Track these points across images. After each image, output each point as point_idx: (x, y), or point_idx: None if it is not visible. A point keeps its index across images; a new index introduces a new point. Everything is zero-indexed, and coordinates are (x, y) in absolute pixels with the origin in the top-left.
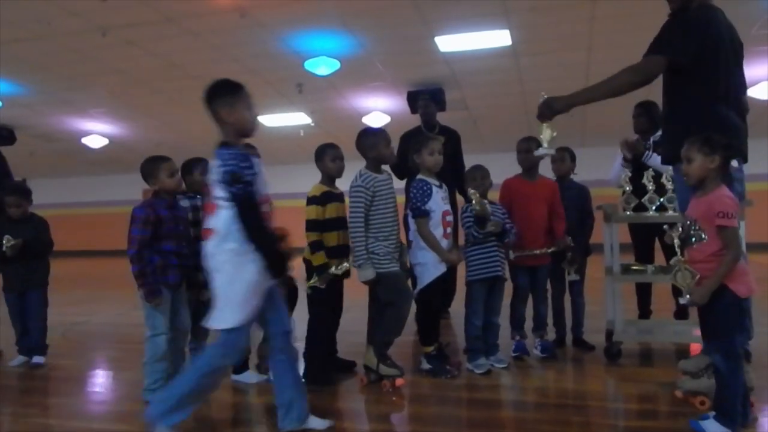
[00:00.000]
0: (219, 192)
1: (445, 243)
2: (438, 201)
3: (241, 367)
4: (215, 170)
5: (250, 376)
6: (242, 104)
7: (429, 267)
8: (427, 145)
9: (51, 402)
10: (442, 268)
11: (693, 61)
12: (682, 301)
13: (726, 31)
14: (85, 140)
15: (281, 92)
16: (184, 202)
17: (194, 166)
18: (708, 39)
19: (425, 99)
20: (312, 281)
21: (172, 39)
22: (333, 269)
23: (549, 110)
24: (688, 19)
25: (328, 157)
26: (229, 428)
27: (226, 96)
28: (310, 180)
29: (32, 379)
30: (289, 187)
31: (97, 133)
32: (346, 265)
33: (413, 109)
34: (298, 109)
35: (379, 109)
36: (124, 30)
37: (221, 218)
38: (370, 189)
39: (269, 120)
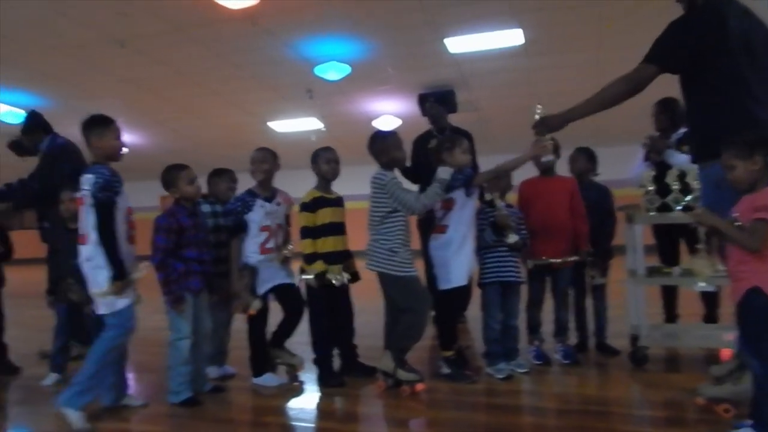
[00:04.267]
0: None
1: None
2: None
3: (262, 370)
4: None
5: (271, 379)
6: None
7: (450, 269)
8: (461, 143)
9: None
10: (463, 279)
11: (691, 64)
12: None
13: (739, 26)
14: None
15: (292, 98)
16: (205, 207)
17: (220, 174)
18: (710, 39)
19: (431, 101)
20: (306, 276)
21: (183, 48)
22: (331, 278)
23: (545, 128)
24: (686, 21)
25: (321, 160)
26: (247, 428)
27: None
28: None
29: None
30: (302, 192)
31: None
32: (344, 278)
33: (424, 111)
34: (309, 114)
35: (390, 112)
36: (136, 40)
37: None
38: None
39: (280, 126)
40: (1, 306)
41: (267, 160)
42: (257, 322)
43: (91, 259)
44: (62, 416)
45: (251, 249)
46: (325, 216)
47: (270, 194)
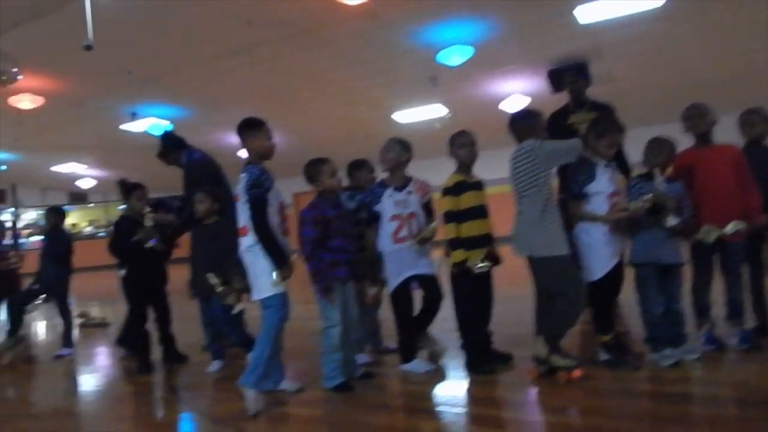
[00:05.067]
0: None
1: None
2: (604, 181)
3: (411, 356)
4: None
5: (419, 366)
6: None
7: (597, 248)
8: (611, 136)
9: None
10: (615, 258)
11: None
12: None
13: None
14: (239, 153)
15: (415, 88)
16: (347, 199)
17: (359, 166)
18: None
19: (572, 75)
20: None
21: (306, 51)
22: (471, 266)
23: None
24: None
25: (456, 145)
26: (402, 413)
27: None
28: (445, 174)
29: (229, 368)
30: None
31: None
32: (486, 266)
33: (556, 87)
34: (433, 102)
35: (518, 92)
36: (261, 48)
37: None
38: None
39: (404, 116)
40: (166, 301)
41: (392, 149)
42: (403, 308)
43: (252, 248)
44: (243, 394)
45: (384, 239)
46: (468, 200)
47: (401, 183)
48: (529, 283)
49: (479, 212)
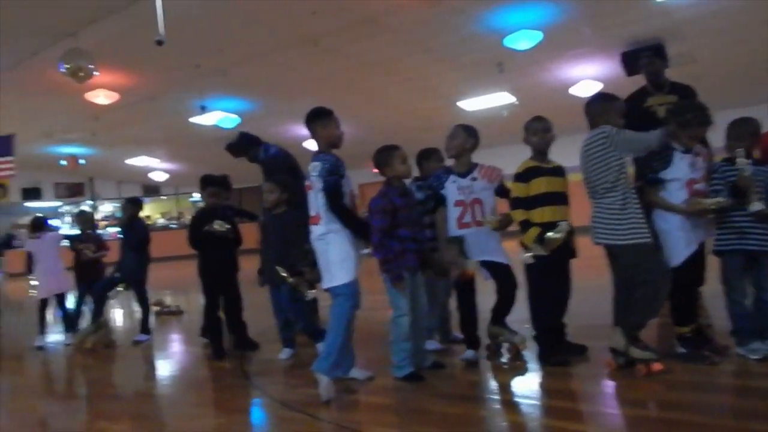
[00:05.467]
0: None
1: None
2: (682, 167)
3: (473, 344)
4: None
5: (469, 354)
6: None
7: (673, 234)
8: (697, 130)
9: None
10: (692, 245)
11: None
12: None
13: None
14: (305, 144)
15: (480, 74)
16: (415, 189)
17: (428, 155)
18: None
19: (648, 56)
20: (532, 252)
21: (372, 39)
22: (551, 234)
23: None
24: None
25: (530, 132)
26: (473, 403)
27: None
28: (517, 161)
29: (299, 356)
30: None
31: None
32: (565, 224)
33: (630, 70)
34: (500, 89)
35: (589, 76)
36: (327, 38)
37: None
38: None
39: (470, 104)
40: (237, 289)
41: (457, 135)
42: (466, 296)
43: (323, 236)
44: (316, 379)
45: (450, 224)
46: (539, 186)
47: (465, 169)
48: (602, 273)
49: (552, 198)
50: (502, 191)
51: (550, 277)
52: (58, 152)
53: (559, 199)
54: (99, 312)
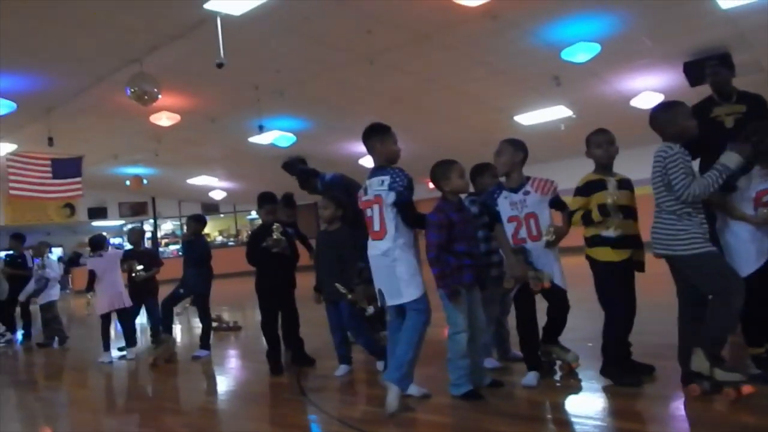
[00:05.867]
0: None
1: None
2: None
3: (533, 364)
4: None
5: (531, 379)
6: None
7: (741, 245)
8: None
9: (372, 393)
10: (763, 257)
11: None
12: None
13: None
14: (361, 161)
15: (537, 88)
16: (469, 204)
17: (482, 170)
18: None
19: (713, 65)
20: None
21: (428, 55)
22: (608, 198)
23: None
24: None
25: (592, 145)
26: (534, 423)
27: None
28: (574, 176)
29: (355, 372)
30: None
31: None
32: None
33: (694, 80)
34: (557, 103)
35: (650, 88)
36: (383, 55)
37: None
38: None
39: (526, 119)
40: (294, 305)
41: (504, 151)
42: (527, 315)
43: (389, 252)
44: (387, 389)
45: None
46: (601, 198)
47: (517, 184)
48: (667, 290)
49: (619, 212)
50: (557, 204)
51: (622, 290)
52: (123, 173)
53: (625, 212)
54: (167, 327)
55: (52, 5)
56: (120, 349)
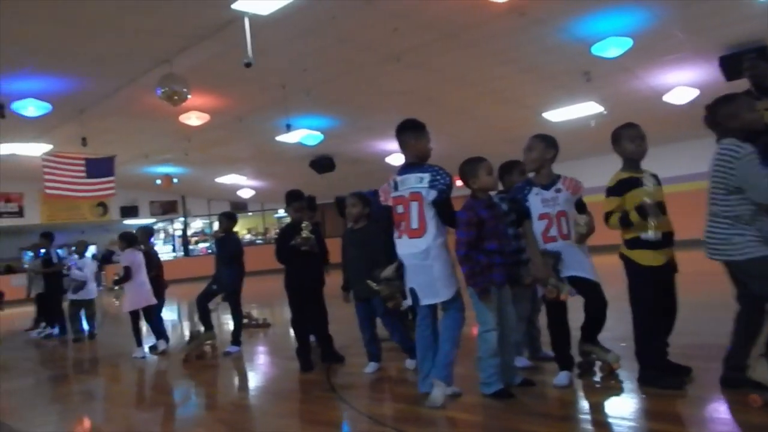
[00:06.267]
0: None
1: None
2: None
3: (566, 364)
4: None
5: (563, 378)
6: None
7: None
8: None
9: (401, 390)
10: None
11: None
12: None
13: None
14: (387, 159)
15: (566, 84)
16: (498, 201)
17: (510, 168)
18: None
19: (752, 59)
20: (653, 230)
21: (455, 53)
22: (646, 199)
23: None
24: None
25: (625, 139)
26: (567, 423)
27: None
28: (603, 174)
29: (385, 370)
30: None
31: (395, 152)
32: (648, 184)
33: (730, 75)
34: (587, 99)
35: (683, 83)
36: (409, 53)
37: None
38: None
39: (555, 115)
40: (323, 302)
41: (535, 147)
42: (557, 313)
43: (426, 252)
44: (435, 385)
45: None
46: (636, 198)
47: (548, 181)
48: (704, 289)
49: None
50: (580, 206)
51: (657, 290)
52: (153, 172)
53: (660, 209)
54: (205, 323)
55: (84, 10)
56: (151, 348)
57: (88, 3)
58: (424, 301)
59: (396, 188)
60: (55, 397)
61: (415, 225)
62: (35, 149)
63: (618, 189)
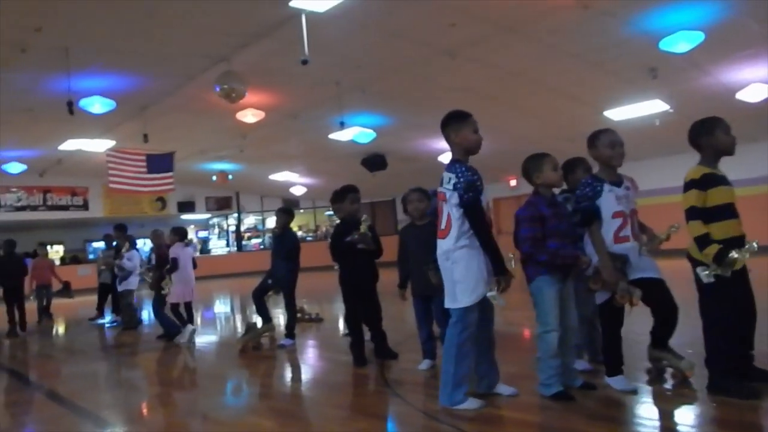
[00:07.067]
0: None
1: None
2: None
3: (615, 370)
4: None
5: (621, 383)
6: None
7: None
8: None
9: None
10: None
11: None
12: None
13: None
14: (440, 158)
15: (631, 81)
16: (562, 201)
17: (574, 165)
18: None
19: None
20: (711, 271)
21: (514, 47)
22: (735, 254)
23: None
24: None
25: (720, 131)
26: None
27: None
28: (666, 175)
29: (440, 368)
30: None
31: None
32: (754, 245)
33: None
34: (652, 97)
35: (759, 79)
36: (466, 49)
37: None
38: None
39: (617, 114)
40: (376, 298)
41: (620, 142)
42: (613, 316)
43: (449, 254)
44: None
45: (606, 238)
46: (718, 196)
47: (617, 179)
48: None
49: (732, 211)
50: None
51: (729, 297)
52: (210, 168)
53: (736, 212)
54: (264, 316)
55: (147, 10)
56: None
57: (152, 3)
58: (446, 303)
59: (442, 183)
60: (119, 381)
61: (442, 225)
62: (100, 145)
63: (703, 183)
